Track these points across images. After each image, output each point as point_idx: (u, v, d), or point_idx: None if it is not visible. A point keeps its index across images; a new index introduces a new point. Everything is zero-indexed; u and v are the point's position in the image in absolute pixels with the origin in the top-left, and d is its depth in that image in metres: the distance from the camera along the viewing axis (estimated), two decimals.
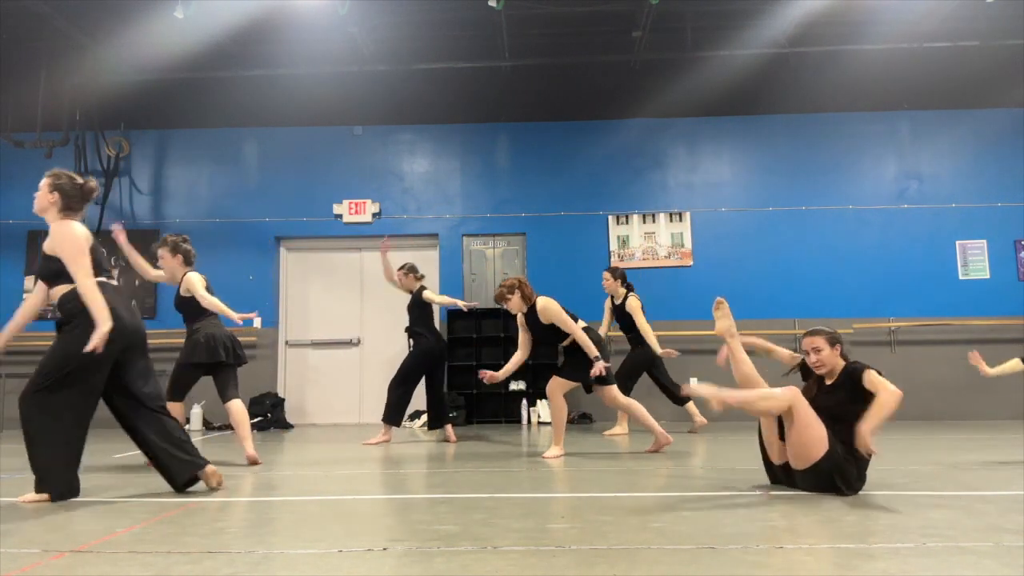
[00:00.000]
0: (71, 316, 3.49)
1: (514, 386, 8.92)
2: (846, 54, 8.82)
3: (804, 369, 3.82)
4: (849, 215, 9.29)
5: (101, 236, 9.44)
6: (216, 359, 5.08)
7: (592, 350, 5.22)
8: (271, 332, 9.33)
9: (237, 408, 5.10)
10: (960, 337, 8.78)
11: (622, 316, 7.11)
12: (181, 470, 3.64)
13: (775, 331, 8.99)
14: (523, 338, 5.60)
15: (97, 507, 3.34)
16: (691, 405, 7.08)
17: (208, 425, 8.71)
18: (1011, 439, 6.20)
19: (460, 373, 9.06)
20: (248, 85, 9.20)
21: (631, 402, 5.69)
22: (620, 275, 7.26)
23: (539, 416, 8.66)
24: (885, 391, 3.34)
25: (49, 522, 3.02)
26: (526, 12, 8.22)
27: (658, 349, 6.97)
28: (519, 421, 8.80)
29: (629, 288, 7.24)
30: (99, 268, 3.60)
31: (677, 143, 9.57)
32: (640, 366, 7.12)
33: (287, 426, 8.65)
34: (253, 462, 4.92)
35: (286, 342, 9.51)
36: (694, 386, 3.33)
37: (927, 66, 8.95)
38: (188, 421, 8.64)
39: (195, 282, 5.06)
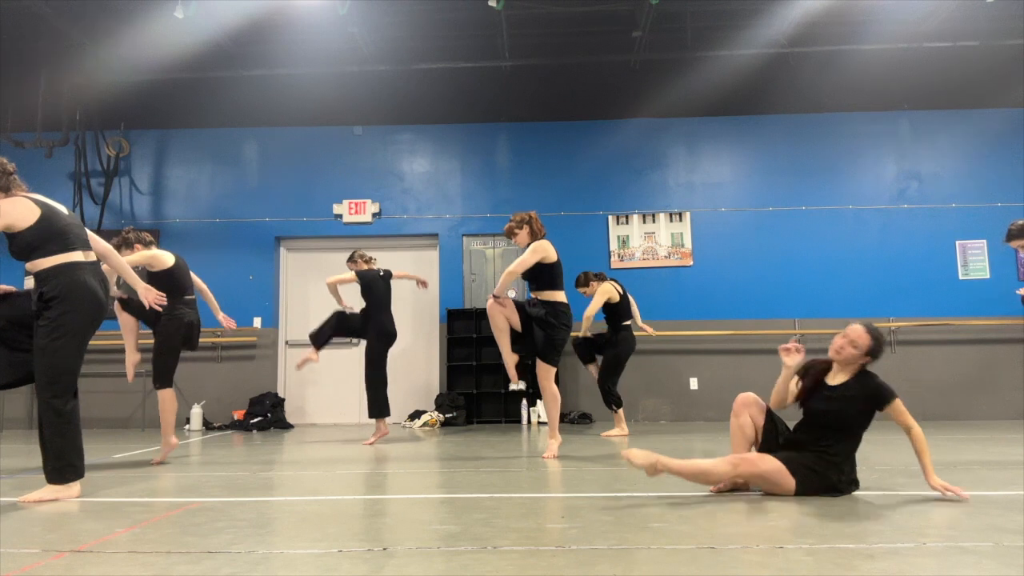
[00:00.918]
0: (51, 296, 3.68)
1: (514, 386, 8.92)
2: (846, 54, 8.82)
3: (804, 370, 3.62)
4: (849, 215, 9.29)
5: (101, 235, 9.44)
6: (192, 345, 5.24)
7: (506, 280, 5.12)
8: (271, 332, 9.33)
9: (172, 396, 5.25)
10: (960, 337, 8.79)
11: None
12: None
13: (775, 331, 9.00)
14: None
15: (97, 507, 3.34)
16: (620, 413, 7.06)
17: (208, 425, 8.70)
18: (1011, 439, 6.20)
19: (460, 373, 9.06)
20: (248, 85, 9.20)
21: (555, 393, 5.43)
22: (585, 280, 7.30)
23: (539, 416, 8.66)
24: (916, 426, 3.27)
25: (49, 522, 3.02)
26: (526, 12, 8.22)
27: (584, 332, 7.08)
28: (519, 421, 8.80)
29: (601, 278, 7.30)
30: (70, 244, 3.69)
31: (677, 143, 9.57)
32: (622, 358, 7.09)
33: (287, 426, 8.65)
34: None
35: (286, 342, 9.51)
36: (632, 452, 3.19)
37: (927, 66, 8.95)
38: (188, 421, 8.65)
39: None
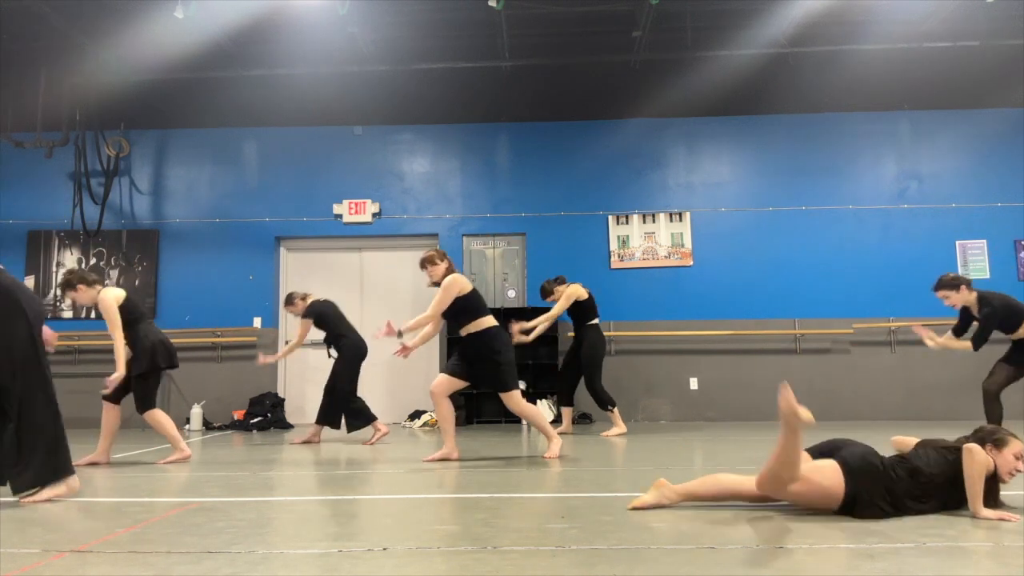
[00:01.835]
0: None
1: None
2: (846, 54, 8.81)
3: None
4: (849, 215, 9.29)
5: (101, 235, 9.47)
6: (174, 363, 5.21)
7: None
8: (271, 332, 9.33)
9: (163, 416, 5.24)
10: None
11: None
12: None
13: (775, 331, 9.00)
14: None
15: (97, 507, 3.34)
16: (616, 412, 7.10)
17: (208, 425, 8.71)
18: None
19: None
20: (248, 85, 9.20)
21: (531, 409, 5.27)
22: (550, 288, 7.27)
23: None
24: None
25: (49, 522, 3.02)
26: (526, 12, 8.21)
27: (538, 330, 7.08)
28: (519, 421, 8.80)
29: (561, 281, 7.33)
30: None
31: (677, 143, 9.57)
32: (599, 355, 7.12)
33: (287, 426, 8.65)
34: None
35: (286, 342, 9.50)
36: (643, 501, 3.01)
37: (927, 66, 8.94)
38: (188, 421, 8.65)
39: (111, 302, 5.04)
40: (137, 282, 9.47)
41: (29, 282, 9.49)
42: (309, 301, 6.79)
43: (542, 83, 9.43)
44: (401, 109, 9.53)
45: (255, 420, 8.49)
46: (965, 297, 5.84)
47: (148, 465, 5.06)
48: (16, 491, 3.39)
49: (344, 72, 8.99)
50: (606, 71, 9.35)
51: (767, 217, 9.30)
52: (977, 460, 2.73)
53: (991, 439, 2.87)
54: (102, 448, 5.12)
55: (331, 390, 6.69)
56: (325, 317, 6.71)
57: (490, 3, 7.38)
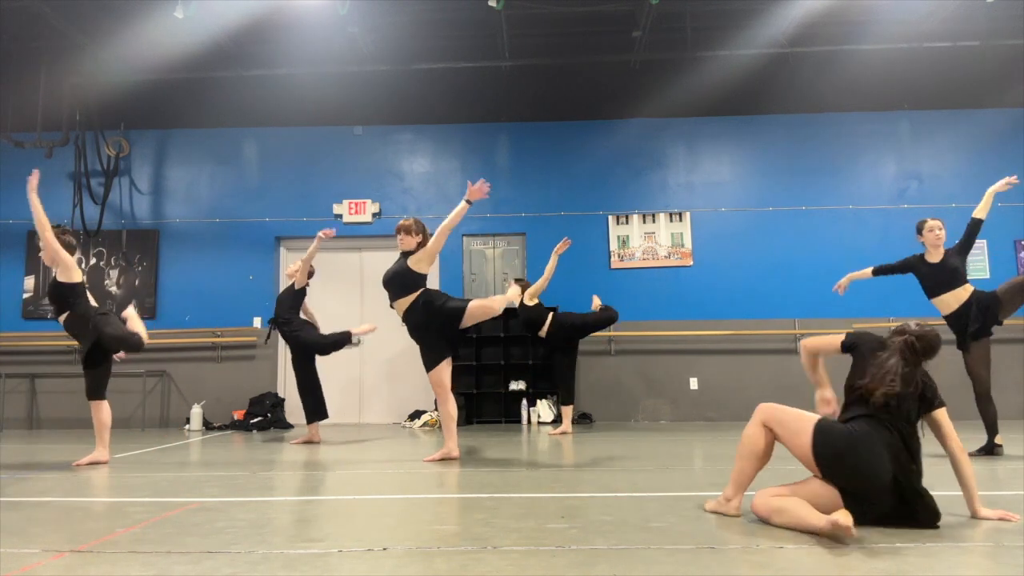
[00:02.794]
0: None
1: (514, 386, 8.93)
2: (846, 54, 8.82)
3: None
4: (849, 215, 9.29)
5: (101, 235, 9.47)
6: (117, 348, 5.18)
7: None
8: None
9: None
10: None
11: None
12: None
13: (775, 331, 9.00)
14: None
15: (97, 507, 3.34)
16: (567, 410, 7.16)
17: (208, 425, 8.70)
18: (1011, 439, 6.20)
19: (460, 373, 9.05)
20: (248, 85, 9.20)
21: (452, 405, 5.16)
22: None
23: (539, 416, 8.66)
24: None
25: (49, 522, 3.02)
26: (526, 12, 8.21)
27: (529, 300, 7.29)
28: (519, 421, 8.80)
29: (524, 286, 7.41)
30: None
31: (677, 143, 9.57)
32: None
33: (287, 426, 8.64)
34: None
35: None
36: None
37: (927, 66, 8.95)
38: (188, 421, 8.64)
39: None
40: (137, 282, 9.47)
41: (29, 282, 9.49)
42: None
43: (542, 83, 9.44)
44: (401, 109, 9.53)
45: (255, 420, 8.48)
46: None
47: (148, 465, 5.06)
48: None
49: (344, 72, 8.99)
50: (606, 71, 9.35)
51: (767, 217, 9.30)
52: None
53: None
54: (101, 445, 5.08)
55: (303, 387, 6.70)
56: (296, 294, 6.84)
57: (490, 3, 7.39)
